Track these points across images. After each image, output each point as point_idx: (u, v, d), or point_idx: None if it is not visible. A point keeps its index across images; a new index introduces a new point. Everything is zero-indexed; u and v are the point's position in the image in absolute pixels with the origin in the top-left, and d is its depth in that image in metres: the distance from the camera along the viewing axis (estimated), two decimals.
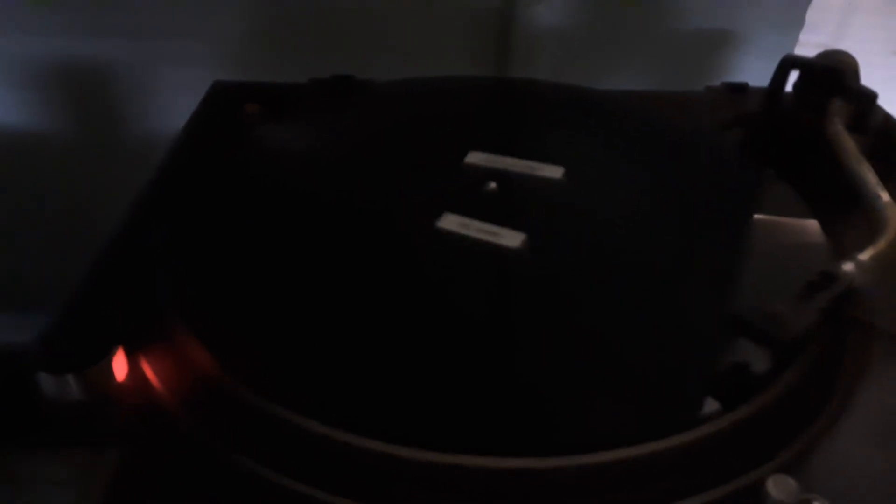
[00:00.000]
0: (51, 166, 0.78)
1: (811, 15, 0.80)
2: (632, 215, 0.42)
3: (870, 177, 0.40)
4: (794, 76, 0.49)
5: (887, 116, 0.50)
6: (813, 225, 0.42)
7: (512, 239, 0.38)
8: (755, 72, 0.77)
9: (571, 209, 0.42)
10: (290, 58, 0.69)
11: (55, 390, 0.30)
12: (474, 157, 0.46)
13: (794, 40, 0.77)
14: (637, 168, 0.46)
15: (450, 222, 0.39)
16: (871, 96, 0.45)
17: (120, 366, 0.32)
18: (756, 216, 0.43)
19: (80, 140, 0.77)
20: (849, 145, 0.42)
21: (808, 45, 0.81)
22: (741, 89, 0.58)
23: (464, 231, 0.39)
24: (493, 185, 0.42)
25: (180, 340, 0.34)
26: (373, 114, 0.54)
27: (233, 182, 0.45)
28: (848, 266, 0.34)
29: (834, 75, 0.46)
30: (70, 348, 0.32)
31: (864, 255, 0.34)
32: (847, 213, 0.41)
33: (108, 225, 0.42)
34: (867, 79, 0.48)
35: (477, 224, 0.39)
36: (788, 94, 0.50)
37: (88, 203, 0.73)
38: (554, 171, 0.44)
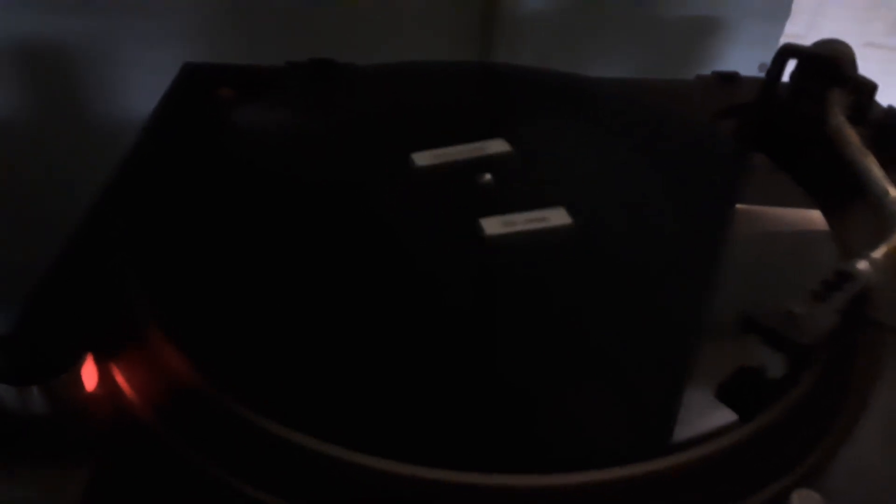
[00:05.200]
0: (10, 151, 0.74)
1: None
2: (629, 209, 0.41)
3: (875, 170, 0.39)
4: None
5: (888, 108, 0.49)
6: (814, 216, 0.41)
7: (560, 217, 0.37)
8: (740, 60, 0.76)
9: (571, 203, 0.40)
10: (264, 38, 0.66)
11: (18, 403, 0.28)
12: (422, 159, 0.43)
13: (780, 30, 0.76)
14: (631, 158, 0.45)
15: (493, 225, 0.37)
16: (871, 87, 0.45)
17: (89, 375, 0.29)
18: (757, 207, 0.42)
19: (41, 124, 0.73)
20: (852, 137, 0.41)
21: (783, 36, 0.81)
22: (732, 78, 0.58)
23: (511, 229, 0.37)
24: (487, 176, 0.40)
25: (154, 345, 0.31)
26: (353, 100, 0.52)
27: (206, 171, 0.43)
28: (862, 264, 0.32)
29: (833, 65, 0.45)
30: (33, 356, 0.29)
31: (878, 253, 0.33)
32: (849, 206, 0.40)
33: (72, 216, 0.39)
34: None
35: (522, 216, 0.38)
36: (784, 83, 0.49)
37: (51, 192, 0.70)
38: (500, 146, 0.43)
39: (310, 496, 0.26)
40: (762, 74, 0.57)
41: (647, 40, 0.75)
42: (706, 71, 0.60)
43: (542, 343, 0.32)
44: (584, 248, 0.37)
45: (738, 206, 0.41)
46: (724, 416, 0.28)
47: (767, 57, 0.77)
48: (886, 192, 0.37)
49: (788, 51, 0.47)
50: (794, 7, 0.82)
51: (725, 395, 0.29)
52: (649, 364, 0.31)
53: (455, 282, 0.35)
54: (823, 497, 0.26)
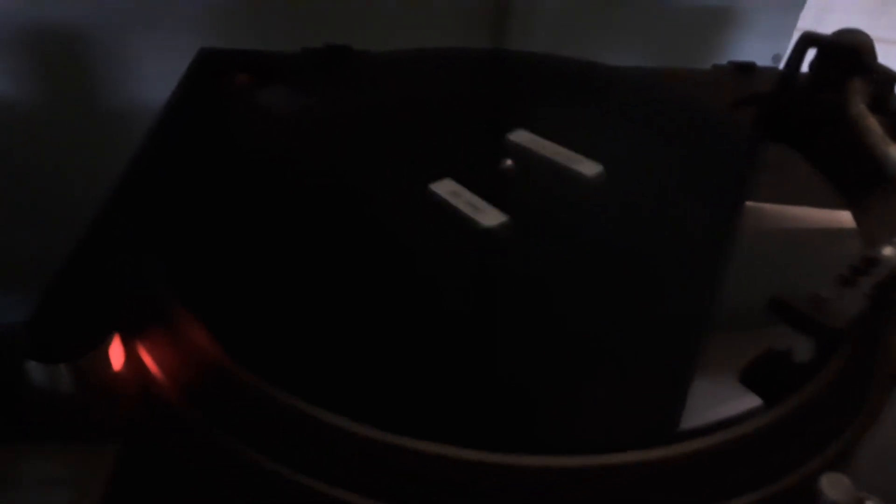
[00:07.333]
0: (26, 140, 0.73)
1: None
2: (646, 197, 0.40)
3: None
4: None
5: None
6: (830, 210, 0.41)
7: (491, 218, 0.37)
8: (753, 51, 0.76)
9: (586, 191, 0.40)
10: (278, 24, 0.66)
11: (46, 381, 0.28)
12: (518, 136, 0.44)
13: (794, 21, 0.76)
14: (648, 146, 0.45)
15: (444, 188, 0.38)
16: (892, 77, 0.44)
17: (116, 354, 0.29)
18: (777, 198, 0.42)
19: (57, 111, 0.73)
20: (874, 125, 0.41)
21: None
22: (748, 68, 0.57)
23: (452, 199, 0.38)
24: (509, 162, 0.40)
25: (181, 325, 0.31)
26: (370, 86, 0.52)
27: (225, 155, 0.43)
28: (888, 250, 0.32)
29: (854, 54, 0.45)
30: (61, 335, 0.29)
31: None
32: (872, 193, 0.40)
33: (93, 201, 0.39)
34: None
35: (467, 195, 0.38)
36: (802, 73, 0.49)
37: (71, 177, 0.69)
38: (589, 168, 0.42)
39: (330, 471, 0.26)
40: (776, 65, 0.57)
41: (660, 30, 0.75)
42: (720, 61, 0.60)
43: (573, 331, 0.32)
44: (603, 235, 0.37)
45: (756, 201, 0.41)
46: (753, 400, 0.28)
47: (781, 48, 0.77)
48: None
49: (809, 40, 0.47)
50: None
51: (751, 379, 0.29)
52: (680, 350, 0.31)
53: (478, 266, 0.35)
54: (852, 480, 0.26)
